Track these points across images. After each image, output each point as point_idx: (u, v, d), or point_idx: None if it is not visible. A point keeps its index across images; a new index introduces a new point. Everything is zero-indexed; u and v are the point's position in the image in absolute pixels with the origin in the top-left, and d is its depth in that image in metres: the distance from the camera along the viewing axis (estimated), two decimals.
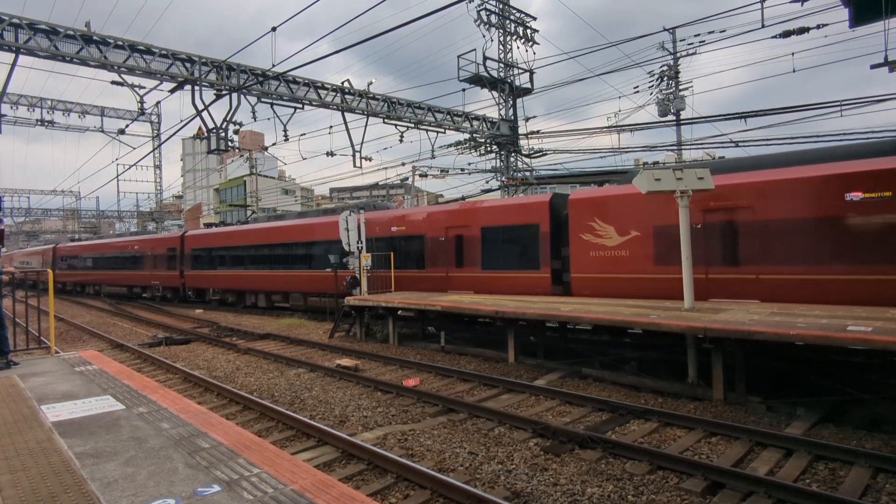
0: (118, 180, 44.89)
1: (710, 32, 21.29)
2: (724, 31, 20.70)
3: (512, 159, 23.33)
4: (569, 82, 34.25)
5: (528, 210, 13.49)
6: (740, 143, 17.72)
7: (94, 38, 13.64)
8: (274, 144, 20.23)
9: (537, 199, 13.63)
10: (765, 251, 9.81)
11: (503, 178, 23.10)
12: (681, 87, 24.03)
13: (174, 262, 27.09)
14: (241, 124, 16.37)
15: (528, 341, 11.65)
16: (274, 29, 12.33)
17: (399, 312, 13.83)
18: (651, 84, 24.41)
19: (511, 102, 23.30)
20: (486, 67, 22.04)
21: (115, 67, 14.04)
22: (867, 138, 15.77)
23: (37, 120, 28.92)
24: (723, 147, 19.49)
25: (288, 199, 57.83)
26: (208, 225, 29.52)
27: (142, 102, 15.59)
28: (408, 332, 14.68)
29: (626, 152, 24.68)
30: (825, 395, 7.61)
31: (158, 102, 59.60)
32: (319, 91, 17.68)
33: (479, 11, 21.99)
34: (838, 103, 15.40)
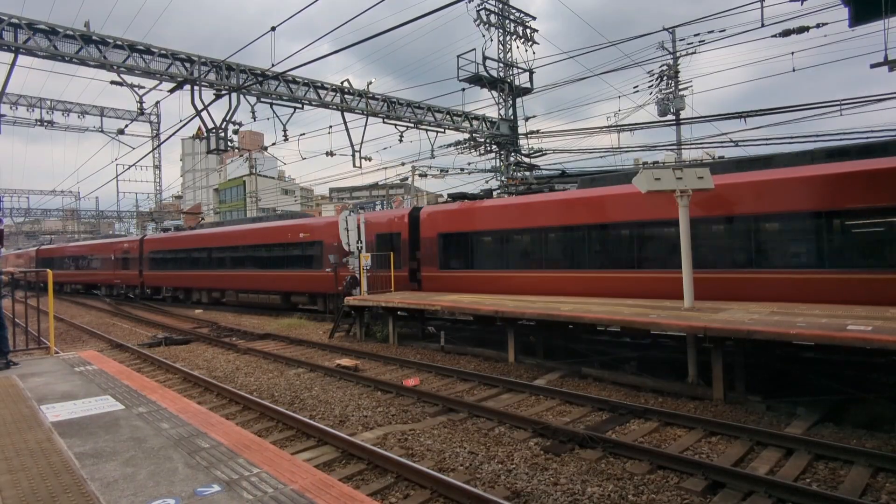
0: (117, 180, 44.87)
1: (709, 32, 21.28)
2: (724, 30, 20.71)
3: (512, 159, 23.31)
4: (568, 82, 34.25)
5: None
6: (740, 143, 17.73)
7: (94, 37, 13.62)
8: (273, 144, 20.13)
9: None
10: None
11: (503, 178, 23.08)
12: (680, 87, 24.03)
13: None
14: (240, 124, 16.33)
15: (528, 341, 11.63)
16: (273, 29, 12.31)
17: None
18: (651, 84, 24.41)
19: (511, 102, 23.29)
20: (485, 67, 22.02)
21: (115, 67, 14.02)
22: (867, 138, 15.78)
23: (36, 120, 28.88)
24: (723, 147, 19.51)
25: (287, 198, 57.82)
26: (456, 196, 17.75)
27: (141, 102, 15.57)
28: (407, 331, 14.68)
29: (626, 152, 24.70)
30: (825, 394, 7.61)
31: (158, 102, 59.73)
32: (319, 91, 17.66)
33: (478, 11, 21.97)
34: (838, 103, 15.41)
